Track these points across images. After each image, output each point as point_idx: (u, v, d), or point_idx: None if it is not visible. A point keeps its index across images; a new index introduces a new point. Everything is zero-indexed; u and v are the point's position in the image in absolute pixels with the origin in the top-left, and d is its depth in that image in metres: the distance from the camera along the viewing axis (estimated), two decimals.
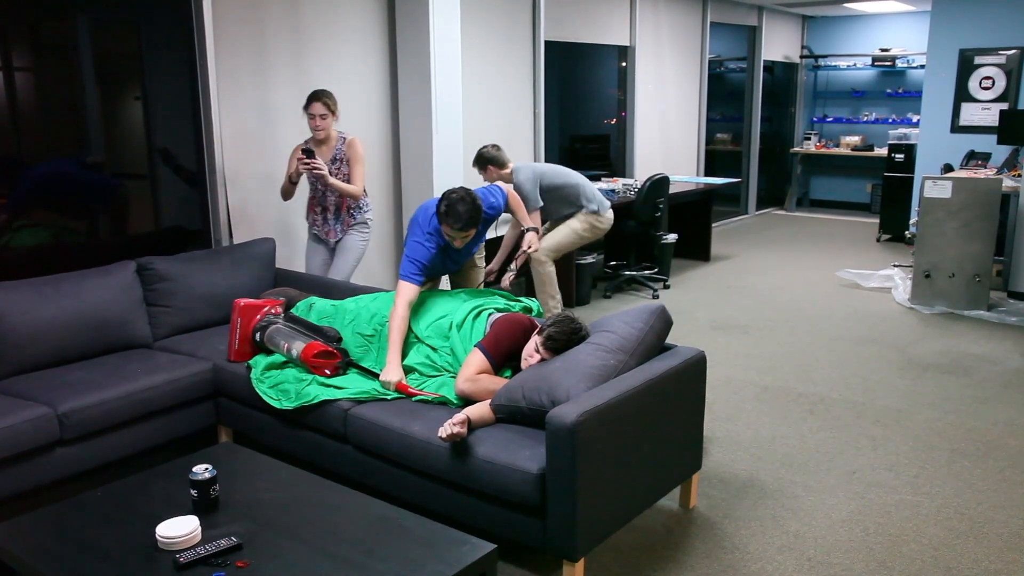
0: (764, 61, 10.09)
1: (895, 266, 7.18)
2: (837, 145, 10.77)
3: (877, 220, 9.27)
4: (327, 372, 3.21)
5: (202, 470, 2.31)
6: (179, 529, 2.13)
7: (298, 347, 3.27)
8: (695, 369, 3.05)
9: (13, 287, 3.40)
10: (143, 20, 4.40)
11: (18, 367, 3.36)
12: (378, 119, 5.40)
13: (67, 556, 2.13)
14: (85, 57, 4.17)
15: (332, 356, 3.25)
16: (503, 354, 3.07)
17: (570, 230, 5.27)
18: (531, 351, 2.98)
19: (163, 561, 2.07)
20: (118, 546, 2.16)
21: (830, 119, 11.08)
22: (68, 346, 3.49)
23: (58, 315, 3.45)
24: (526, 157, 6.77)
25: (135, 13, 4.36)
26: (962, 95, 8.17)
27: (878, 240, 8.94)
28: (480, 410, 2.82)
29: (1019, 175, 6.43)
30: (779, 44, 10.43)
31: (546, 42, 6.72)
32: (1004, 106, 7.92)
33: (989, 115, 8.06)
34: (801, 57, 10.98)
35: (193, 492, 2.30)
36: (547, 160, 7.06)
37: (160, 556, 2.09)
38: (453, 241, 3.40)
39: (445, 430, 2.64)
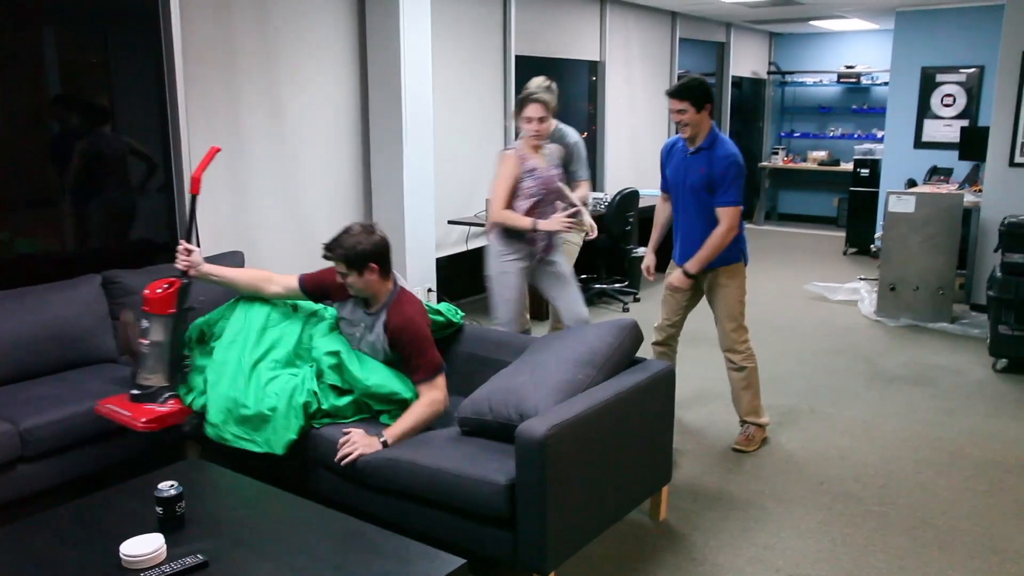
0: (732, 77, 10.24)
1: (861, 279, 7.29)
2: (804, 160, 10.93)
3: (844, 234, 9.41)
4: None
5: (168, 487, 2.28)
6: (143, 547, 2.09)
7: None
8: (664, 383, 3.08)
9: None
10: (110, 32, 4.37)
11: None
12: (348, 132, 5.39)
13: None
14: (51, 68, 4.12)
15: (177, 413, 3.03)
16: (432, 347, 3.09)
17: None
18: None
19: None
20: (81, 566, 2.12)
21: (797, 134, 11.26)
22: (31, 361, 3.44)
23: (20, 329, 3.40)
24: None
25: (102, 25, 4.32)
26: (924, 112, 8.35)
27: (844, 253, 9.07)
28: (401, 428, 2.90)
29: (980, 190, 6.57)
30: (747, 60, 10.59)
31: (517, 57, 6.76)
32: (965, 123, 8.11)
33: (951, 131, 8.25)
34: (769, 73, 11.15)
35: (159, 509, 2.26)
36: None
37: (124, 575, 2.06)
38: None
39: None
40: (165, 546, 2.13)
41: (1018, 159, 5.89)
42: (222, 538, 2.23)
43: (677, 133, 3.87)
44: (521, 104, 3.90)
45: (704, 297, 3.94)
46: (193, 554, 2.11)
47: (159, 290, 3.07)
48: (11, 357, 3.37)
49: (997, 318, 5.04)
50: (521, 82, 6.91)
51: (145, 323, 3.05)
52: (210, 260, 4.19)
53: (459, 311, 3.54)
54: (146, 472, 2.69)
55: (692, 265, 3.72)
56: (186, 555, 2.11)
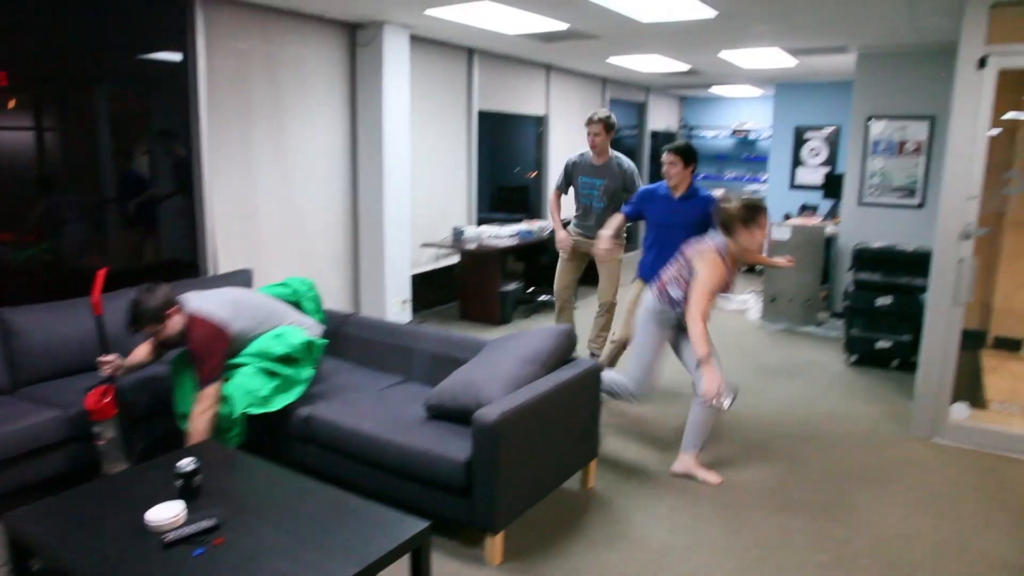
0: (650, 130, 10.40)
1: (749, 292, 7.44)
2: None
3: None
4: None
5: (187, 463, 2.24)
6: (165, 513, 2.06)
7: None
8: (593, 376, 3.11)
9: None
10: (150, 90, 4.29)
11: None
12: (340, 171, 5.35)
13: (72, 537, 2.03)
14: (102, 119, 4.04)
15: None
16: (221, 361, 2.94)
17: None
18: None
19: (152, 541, 2.00)
20: (115, 529, 2.07)
21: (701, 176, 11.43)
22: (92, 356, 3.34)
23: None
24: (462, 204, 6.78)
25: (143, 85, 4.25)
26: (796, 161, 8.59)
27: (738, 271, 9.21)
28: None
29: (838, 222, 6.77)
30: (662, 117, 10.76)
31: (479, 112, 6.77)
32: (827, 170, 8.35)
33: (816, 176, 8.49)
34: (679, 127, 11.35)
35: (179, 482, 2.23)
36: (479, 205, 7.08)
37: (149, 536, 2.02)
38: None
39: None
40: (184, 512, 2.09)
41: (865, 199, 6.08)
42: (231, 505, 2.20)
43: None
44: (751, 215, 3.28)
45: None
46: (207, 518, 2.08)
47: (99, 400, 2.84)
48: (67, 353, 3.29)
49: (850, 323, 5.20)
50: (484, 132, 6.94)
51: (97, 428, 2.85)
52: (223, 277, 4.14)
53: (307, 281, 3.54)
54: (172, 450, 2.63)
55: None
56: (201, 519, 2.08)
